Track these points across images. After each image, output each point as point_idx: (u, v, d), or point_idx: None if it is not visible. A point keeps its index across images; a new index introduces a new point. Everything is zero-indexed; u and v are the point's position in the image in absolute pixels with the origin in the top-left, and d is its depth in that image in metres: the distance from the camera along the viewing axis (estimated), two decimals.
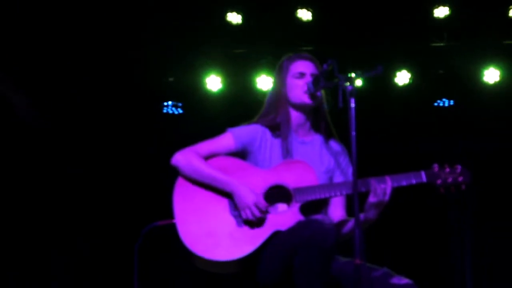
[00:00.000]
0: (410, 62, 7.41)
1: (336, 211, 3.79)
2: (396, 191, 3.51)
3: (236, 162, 3.72)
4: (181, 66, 7.56)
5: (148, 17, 7.07)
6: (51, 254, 7.71)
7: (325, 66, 3.66)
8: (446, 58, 7.38)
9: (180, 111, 7.89)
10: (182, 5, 7.04)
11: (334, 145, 3.89)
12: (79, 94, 7.60)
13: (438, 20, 7.08)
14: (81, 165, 7.90)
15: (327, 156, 3.84)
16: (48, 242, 7.68)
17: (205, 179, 3.63)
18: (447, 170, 3.58)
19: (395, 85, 7.46)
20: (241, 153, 3.77)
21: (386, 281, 3.44)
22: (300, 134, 3.84)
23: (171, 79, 7.66)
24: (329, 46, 7.23)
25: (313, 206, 3.58)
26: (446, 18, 7.06)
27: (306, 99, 3.76)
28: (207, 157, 3.71)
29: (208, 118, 7.48)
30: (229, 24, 7.19)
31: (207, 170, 3.63)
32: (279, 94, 3.85)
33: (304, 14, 7.11)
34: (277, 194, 3.60)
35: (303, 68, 3.83)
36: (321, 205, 3.68)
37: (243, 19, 7.18)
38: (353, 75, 3.41)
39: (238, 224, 3.53)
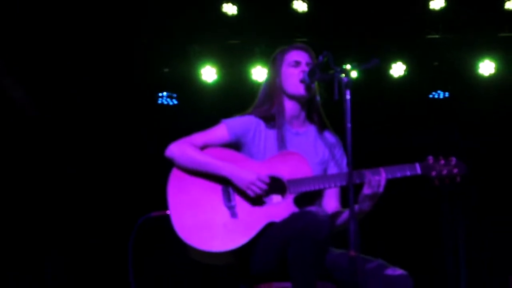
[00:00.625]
0: (405, 54, 7.42)
1: (331, 202, 3.79)
2: (389, 182, 3.51)
3: (230, 153, 3.72)
4: (176, 57, 7.55)
5: (143, 8, 7.05)
6: (44, 247, 7.70)
7: (320, 58, 3.66)
8: (442, 50, 7.39)
9: (175, 102, 7.89)
10: None
11: (329, 136, 3.90)
12: (74, 85, 7.58)
13: (434, 12, 7.09)
14: (76, 156, 7.89)
15: (321, 147, 3.84)
16: (42, 234, 7.67)
17: (201, 167, 3.62)
18: (442, 162, 3.58)
19: (390, 77, 7.47)
20: (235, 144, 3.77)
21: (380, 272, 3.44)
22: (295, 125, 3.84)
23: (166, 70, 7.65)
24: (324, 38, 7.23)
25: (307, 198, 3.58)
26: (442, 10, 7.06)
27: (301, 89, 3.76)
28: (201, 149, 3.70)
29: (203, 109, 7.48)
30: (224, 15, 7.18)
31: (203, 158, 3.63)
32: (274, 84, 3.85)
33: (300, 6, 7.11)
34: (271, 185, 3.59)
35: (298, 57, 3.83)
36: (315, 196, 3.68)
37: (238, 10, 7.17)
38: (348, 67, 3.40)
39: (232, 216, 3.52)
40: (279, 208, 3.51)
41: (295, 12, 7.14)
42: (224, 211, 3.53)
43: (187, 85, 7.70)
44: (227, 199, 3.57)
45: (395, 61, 7.41)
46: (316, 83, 3.81)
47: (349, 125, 3.22)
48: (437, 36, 7.29)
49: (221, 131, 3.76)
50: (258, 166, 3.64)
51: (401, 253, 7.40)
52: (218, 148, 3.73)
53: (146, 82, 7.72)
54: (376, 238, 7.19)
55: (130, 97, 7.78)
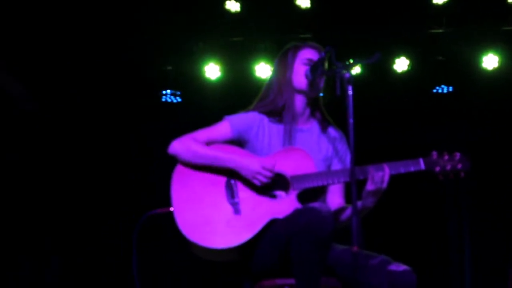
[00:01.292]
0: (409, 49, 7.40)
1: (335, 198, 3.79)
2: (393, 178, 3.51)
3: (233, 149, 3.73)
4: (179, 55, 7.55)
5: (146, 5, 7.04)
6: (46, 242, 7.71)
7: (322, 53, 3.67)
8: (445, 44, 7.37)
9: (179, 99, 7.88)
10: None
11: (333, 132, 3.90)
12: (77, 84, 7.59)
13: (437, 6, 7.06)
14: (80, 154, 7.90)
15: (325, 144, 3.84)
16: (44, 231, 7.69)
17: (205, 160, 3.63)
18: (446, 157, 3.57)
19: (394, 72, 7.45)
20: (239, 141, 3.77)
21: (384, 268, 3.44)
22: (299, 121, 3.84)
23: (169, 67, 7.65)
24: (327, 34, 7.21)
25: (311, 194, 3.57)
26: (445, 4, 7.03)
27: (309, 90, 3.77)
28: (205, 144, 3.71)
29: (207, 107, 7.48)
30: (227, 12, 7.17)
31: (207, 151, 3.64)
32: (284, 80, 3.84)
33: (303, 2, 7.08)
34: (275, 182, 3.59)
35: (312, 55, 3.84)
36: (319, 192, 3.67)
37: (241, 7, 7.15)
38: (351, 62, 3.40)
39: (235, 212, 3.52)
40: (283, 204, 3.51)
41: (298, 8, 7.12)
42: (227, 208, 3.54)
43: (191, 83, 7.70)
44: (231, 195, 3.57)
45: (398, 56, 7.39)
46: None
47: (351, 120, 3.22)
48: (440, 31, 7.27)
49: (224, 128, 3.76)
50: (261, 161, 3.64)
51: (405, 248, 7.40)
52: (221, 145, 3.73)
53: (149, 80, 7.72)
54: (380, 233, 7.18)
55: (133, 95, 7.78)
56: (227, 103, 7.11)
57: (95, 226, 7.80)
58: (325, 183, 3.57)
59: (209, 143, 3.72)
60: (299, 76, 3.81)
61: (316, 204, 3.32)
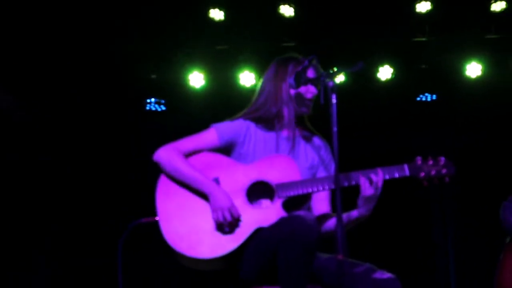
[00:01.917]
0: (392, 57, 7.41)
1: (320, 206, 3.80)
2: None
3: (219, 158, 3.73)
4: (163, 63, 7.54)
5: (130, 14, 7.03)
6: (32, 250, 7.67)
7: (306, 62, 3.68)
8: (428, 52, 7.39)
9: (163, 108, 7.87)
10: (164, 2, 7.01)
11: (318, 141, 3.91)
12: (61, 92, 7.56)
13: (420, 14, 7.09)
14: (64, 162, 7.86)
15: (311, 153, 3.85)
16: (31, 241, 7.64)
17: (184, 179, 3.63)
18: (430, 162, 3.58)
19: (378, 80, 7.46)
20: (226, 149, 3.77)
21: (368, 276, 3.45)
22: (286, 130, 3.85)
23: (153, 76, 7.63)
24: (311, 42, 7.23)
25: (296, 202, 3.58)
26: (428, 13, 7.06)
27: (305, 106, 3.79)
28: (191, 153, 3.71)
29: (191, 115, 7.47)
30: (211, 20, 7.17)
31: (187, 170, 3.63)
32: (277, 89, 3.84)
33: (286, 10, 7.09)
34: (260, 190, 3.59)
35: (309, 72, 3.81)
36: (304, 200, 3.67)
37: (225, 16, 7.15)
38: (334, 70, 3.40)
39: None
40: (268, 213, 3.51)
41: (282, 16, 7.12)
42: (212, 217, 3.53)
43: (175, 91, 7.69)
44: None
45: (382, 64, 7.40)
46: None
47: (335, 128, 3.21)
48: (423, 39, 7.30)
49: (211, 136, 3.76)
50: (246, 170, 3.65)
51: (390, 255, 7.41)
52: (207, 153, 3.73)
53: (133, 88, 7.70)
54: (365, 240, 7.18)
55: (118, 104, 7.76)
56: (212, 112, 7.11)
57: (80, 235, 7.76)
58: (310, 190, 3.57)
59: (196, 151, 3.72)
60: (287, 88, 3.81)
61: (301, 212, 3.33)
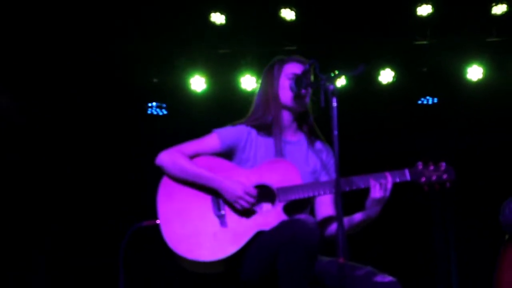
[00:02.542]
0: (393, 60, 7.42)
1: (325, 209, 3.79)
2: None
3: (221, 162, 3.73)
4: (165, 67, 7.54)
5: (131, 19, 7.04)
6: (32, 250, 7.67)
7: (307, 66, 3.68)
8: (430, 56, 7.40)
9: (165, 112, 7.88)
10: (166, 6, 7.02)
11: (320, 145, 3.91)
12: (63, 96, 7.56)
13: (421, 18, 7.10)
14: (66, 165, 7.86)
15: (313, 157, 3.85)
16: (30, 238, 7.64)
17: (190, 177, 3.63)
18: (431, 167, 3.58)
19: (379, 83, 7.47)
20: (227, 154, 3.78)
21: (369, 279, 3.45)
22: (287, 134, 3.85)
23: (155, 80, 7.64)
24: (312, 46, 7.24)
25: (297, 206, 3.59)
26: (429, 16, 7.07)
27: (297, 103, 3.78)
28: (192, 157, 3.71)
29: (193, 119, 7.47)
30: (212, 24, 7.18)
31: (192, 168, 3.64)
32: (271, 94, 3.85)
33: (288, 14, 7.11)
34: (261, 193, 3.60)
35: (297, 69, 3.83)
36: (305, 204, 3.68)
37: (226, 20, 7.16)
38: (335, 73, 3.40)
39: (222, 225, 3.53)
40: (269, 216, 3.52)
41: (283, 20, 7.14)
42: (213, 220, 3.54)
43: (177, 95, 7.70)
44: (217, 208, 3.58)
45: (383, 67, 7.41)
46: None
47: (336, 132, 3.21)
48: (425, 42, 7.31)
49: (212, 141, 3.77)
50: (248, 174, 3.65)
51: (391, 258, 7.40)
52: (209, 157, 3.74)
53: (135, 92, 7.71)
54: (366, 244, 7.18)
55: (119, 108, 7.76)
56: (213, 115, 7.12)
57: (82, 238, 7.75)
58: (310, 194, 3.57)
59: (197, 155, 3.72)
60: (285, 90, 3.81)
61: (302, 216, 3.34)
